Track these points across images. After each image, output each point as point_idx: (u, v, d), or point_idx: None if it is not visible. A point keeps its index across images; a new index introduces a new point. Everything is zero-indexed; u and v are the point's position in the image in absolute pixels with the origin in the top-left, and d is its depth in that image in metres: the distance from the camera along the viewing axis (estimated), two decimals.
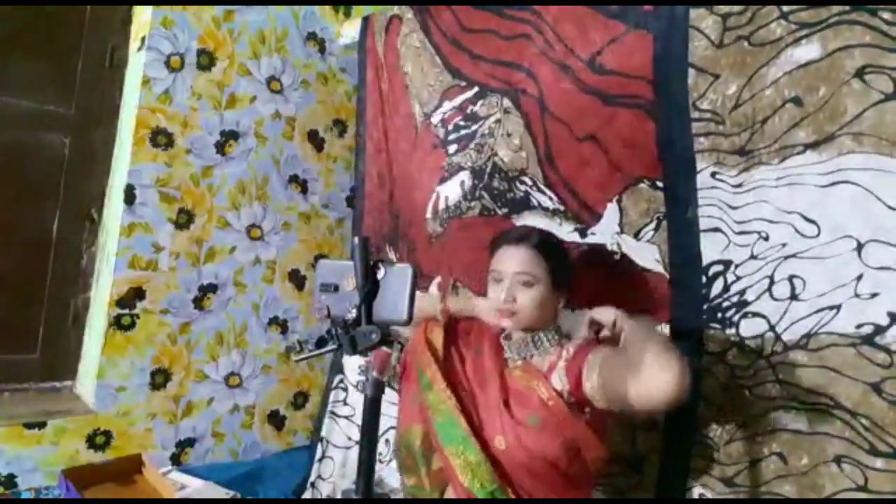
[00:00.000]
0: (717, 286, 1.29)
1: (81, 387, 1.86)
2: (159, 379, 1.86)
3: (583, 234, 1.51)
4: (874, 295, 1.08)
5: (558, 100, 1.51)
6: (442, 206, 1.80)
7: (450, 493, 1.22)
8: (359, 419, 1.32)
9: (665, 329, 1.36)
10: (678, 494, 1.33)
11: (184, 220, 1.89)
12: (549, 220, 1.56)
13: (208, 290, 1.95)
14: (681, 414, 1.33)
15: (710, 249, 1.30)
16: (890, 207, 1.06)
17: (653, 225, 1.38)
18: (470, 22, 1.76)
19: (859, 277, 1.10)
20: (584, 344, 1.19)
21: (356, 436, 1.97)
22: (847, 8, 1.09)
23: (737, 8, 1.23)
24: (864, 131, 1.08)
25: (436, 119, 1.86)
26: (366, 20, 2.12)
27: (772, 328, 1.21)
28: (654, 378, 0.93)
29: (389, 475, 1.82)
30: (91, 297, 1.89)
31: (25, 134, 1.78)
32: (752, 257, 1.24)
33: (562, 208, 1.54)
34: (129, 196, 1.79)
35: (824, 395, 1.14)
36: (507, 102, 1.65)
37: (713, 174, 1.28)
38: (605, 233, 1.46)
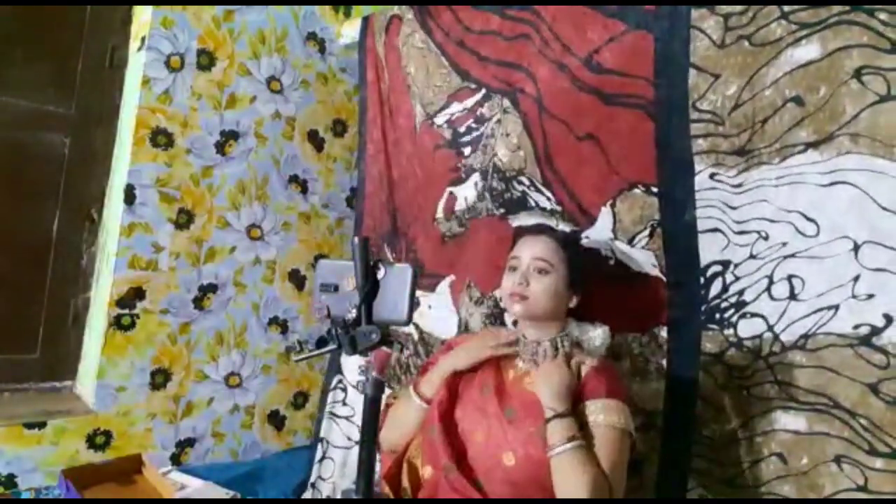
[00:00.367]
0: (716, 286, 1.29)
1: (81, 387, 1.86)
2: (159, 379, 1.86)
3: None
4: (870, 296, 1.08)
5: (556, 99, 1.51)
6: (461, 206, 1.79)
7: None
8: (359, 419, 1.32)
9: (663, 332, 1.37)
10: (678, 495, 1.33)
11: (184, 220, 1.89)
12: (546, 221, 1.55)
13: (208, 290, 1.95)
14: (680, 415, 1.34)
15: (708, 250, 1.30)
16: (884, 209, 1.06)
17: (646, 232, 1.38)
18: (472, 22, 1.75)
19: (856, 278, 1.10)
20: (592, 374, 1.19)
21: (356, 436, 1.97)
22: (847, 8, 1.09)
23: (738, 8, 1.23)
24: (860, 132, 1.08)
25: (440, 120, 1.85)
26: (366, 20, 2.12)
27: (770, 328, 1.21)
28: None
29: None
30: (91, 297, 1.89)
31: (25, 134, 1.78)
32: (752, 257, 1.24)
33: (559, 209, 1.54)
34: (129, 196, 1.79)
35: (823, 395, 1.14)
36: (506, 102, 1.64)
37: (712, 175, 1.28)
38: (598, 237, 1.47)
